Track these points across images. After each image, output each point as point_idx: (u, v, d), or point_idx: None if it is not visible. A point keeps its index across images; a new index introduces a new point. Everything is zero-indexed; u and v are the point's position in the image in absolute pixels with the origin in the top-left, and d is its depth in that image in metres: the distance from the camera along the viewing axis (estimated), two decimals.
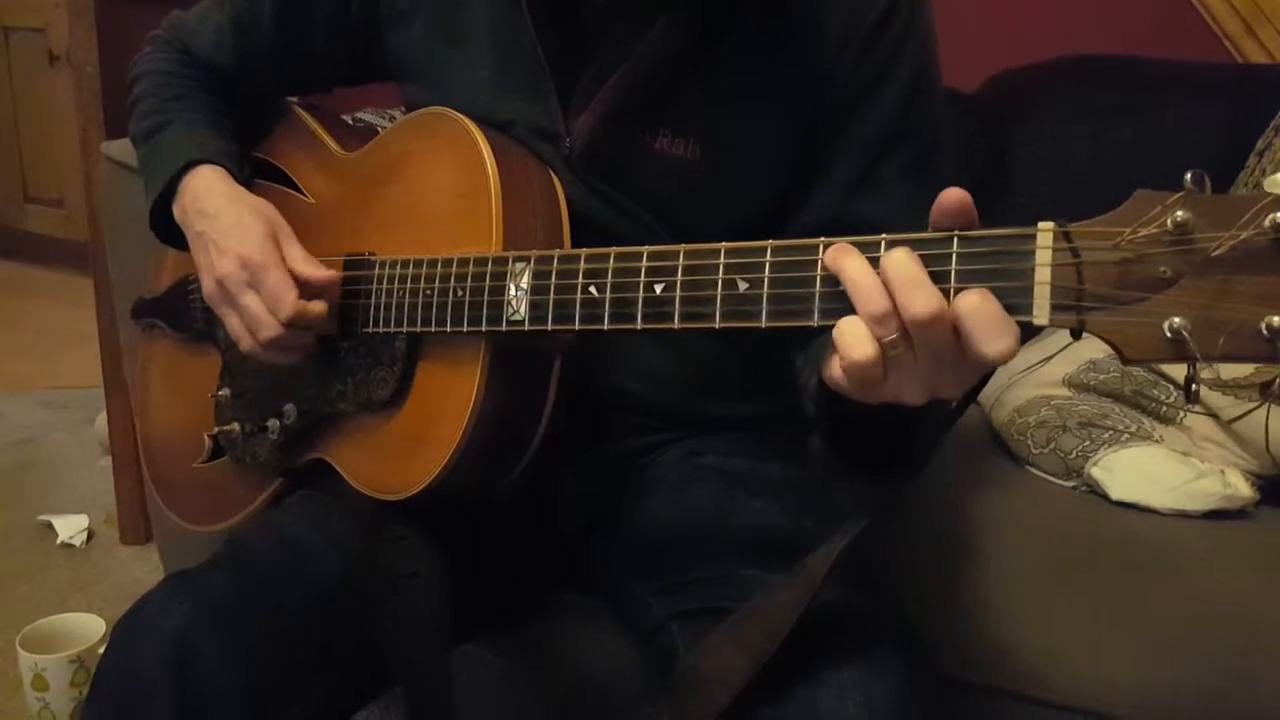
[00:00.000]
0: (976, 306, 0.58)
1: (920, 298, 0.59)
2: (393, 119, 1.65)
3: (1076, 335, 0.59)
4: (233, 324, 0.93)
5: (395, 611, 0.86)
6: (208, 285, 0.94)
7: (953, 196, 0.61)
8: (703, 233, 0.70)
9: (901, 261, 0.60)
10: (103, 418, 2.00)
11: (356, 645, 0.86)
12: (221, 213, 0.94)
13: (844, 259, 0.62)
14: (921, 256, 0.60)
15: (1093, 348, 1.33)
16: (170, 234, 1.01)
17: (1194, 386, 0.58)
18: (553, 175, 0.90)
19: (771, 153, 0.90)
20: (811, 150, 0.89)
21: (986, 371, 0.63)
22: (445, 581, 0.88)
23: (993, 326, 0.58)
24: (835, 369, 0.64)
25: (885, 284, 0.60)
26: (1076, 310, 0.57)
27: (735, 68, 0.87)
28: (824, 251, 0.63)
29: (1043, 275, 0.57)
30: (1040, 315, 0.57)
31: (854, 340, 0.61)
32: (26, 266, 3.79)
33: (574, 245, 0.85)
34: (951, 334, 0.59)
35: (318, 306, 0.90)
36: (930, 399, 0.63)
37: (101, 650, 1.44)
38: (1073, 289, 0.57)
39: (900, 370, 0.62)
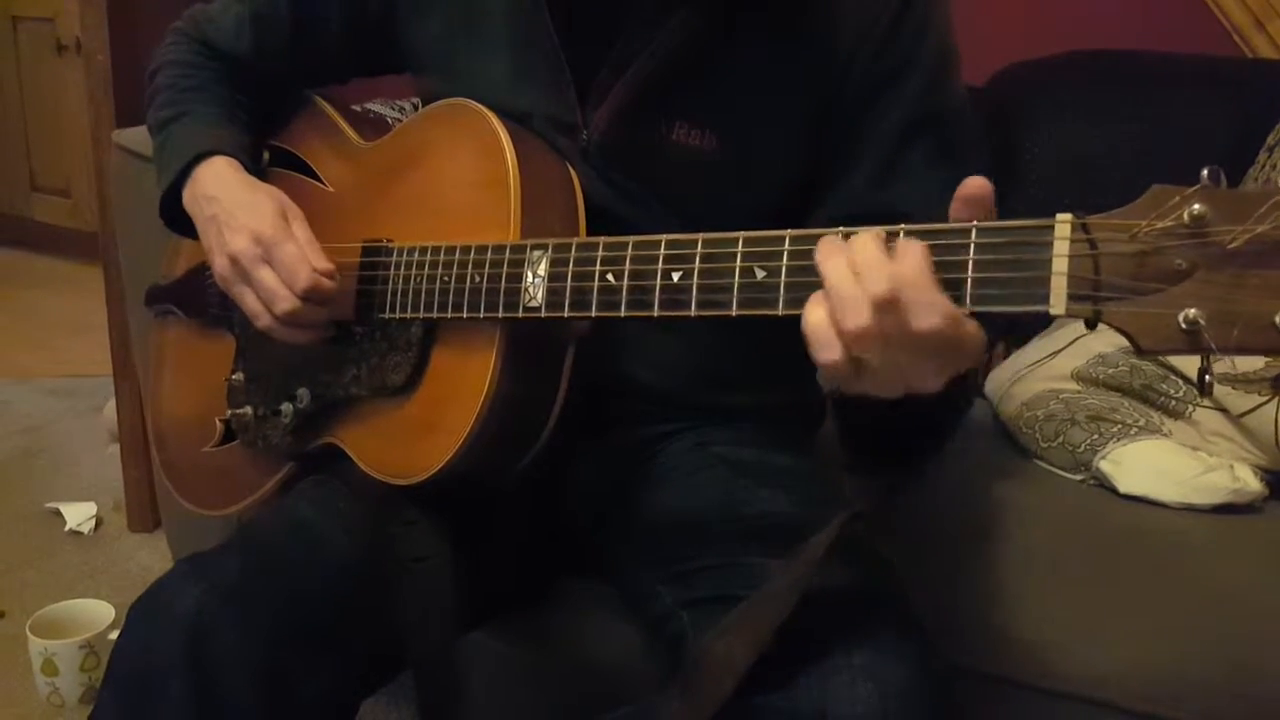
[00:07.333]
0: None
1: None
2: (404, 110, 1.65)
3: (1092, 325, 0.59)
4: (248, 301, 0.93)
5: (406, 596, 0.86)
6: (220, 264, 0.94)
7: (973, 185, 0.61)
8: (720, 225, 0.71)
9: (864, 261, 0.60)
10: (111, 405, 2.00)
11: (369, 628, 0.86)
12: (231, 195, 0.95)
13: (826, 261, 0.62)
14: (939, 247, 0.61)
15: (1101, 341, 1.33)
16: (181, 224, 1.02)
17: (1207, 378, 0.59)
18: (570, 168, 0.90)
19: (789, 144, 0.90)
20: (833, 142, 0.89)
21: (961, 364, 0.63)
22: (456, 567, 0.89)
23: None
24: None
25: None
26: (1093, 300, 0.57)
27: (752, 58, 0.88)
28: (820, 249, 0.63)
29: (1060, 266, 0.58)
30: (1057, 305, 0.58)
31: (821, 344, 0.62)
32: (33, 255, 3.80)
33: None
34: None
35: (333, 281, 0.90)
36: (905, 392, 0.63)
37: (111, 636, 1.46)
38: (1090, 279, 0.57)
39: (869, 371, 0.62)
